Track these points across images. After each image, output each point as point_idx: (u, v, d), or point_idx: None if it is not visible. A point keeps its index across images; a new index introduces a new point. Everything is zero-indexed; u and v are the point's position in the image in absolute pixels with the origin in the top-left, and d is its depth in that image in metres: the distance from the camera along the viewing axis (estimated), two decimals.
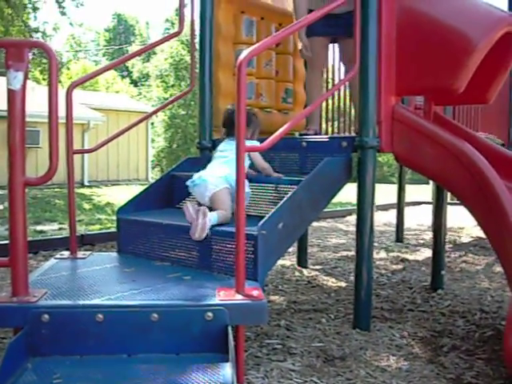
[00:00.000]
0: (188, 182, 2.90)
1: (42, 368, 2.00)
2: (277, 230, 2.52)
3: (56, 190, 10.12)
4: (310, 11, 3.19)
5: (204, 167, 3.02)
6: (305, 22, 2.71)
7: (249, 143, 2.65)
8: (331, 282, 4.18)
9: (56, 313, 2.10)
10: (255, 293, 2.22)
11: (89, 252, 3.10)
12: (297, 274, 4.39)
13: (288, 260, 4.86)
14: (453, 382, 2.44)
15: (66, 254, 3.00)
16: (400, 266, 4.79)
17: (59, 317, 2.10)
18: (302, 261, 4.62)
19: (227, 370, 1.93)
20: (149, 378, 1.94)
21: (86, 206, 8.82)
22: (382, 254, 5.37)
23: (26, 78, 2.06)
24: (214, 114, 3.65)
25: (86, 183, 12.48)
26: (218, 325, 2.11)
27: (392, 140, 3.08)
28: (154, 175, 19.16)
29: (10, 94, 2.04)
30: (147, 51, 3.70)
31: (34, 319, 2.05)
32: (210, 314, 2.12)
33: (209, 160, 3.56)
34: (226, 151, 2.98)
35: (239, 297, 2.18)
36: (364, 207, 2.93)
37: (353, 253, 5.30)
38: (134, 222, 2.99)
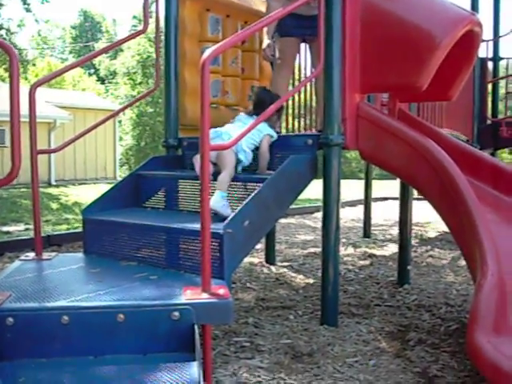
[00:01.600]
0: (212, 132, 2.84)
1: (6, 372, 1.97)
2: (243, 228, 2.53)
3: (22, 189, 9.92)
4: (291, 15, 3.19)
5: (170, 166, 3.02)
6: (269, 19, 2.71)
7: (266, 130, 3.06)
8: (299, 278, 4.21)
9: (20, 316, 2.06)
10: (221, 291, 2.22)
11: (54, 253, 3.05)
12: (265, 271, 4.41)
13: (256, 257, 4.87)
14: (419, 375, 2.48)
15: (31, 255, 2.95)
16: (367, 262, 4.85)
17: (24, 320, 2.06)
18: (270, 258, 4.64)
19: (194, 369, 1.93)
20: (115, 380, 1.92)
21: (54, 205, 8.68)
22: (350, 250, 5.42)
23: None
24: (180, 112, 3.64)
25: (53, 182, 12.28)
26: (185, 324, 2.10)
27: (357, 137, 3.11)
28: (122, 173, 18.94)
29: None
30: (114, 48, 3.66)
31: None
32: (176, 313, 2.11)
33: (176, 158, 3.56)
34: (245, 123, 2.98)
35: (205, 296, 2.18)
36: (330, 204, 2.96)
37: (321, 249, 5.38)
38: (99, 221, 2.96)
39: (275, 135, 3.16)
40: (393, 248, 5.48)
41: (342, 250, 5.32)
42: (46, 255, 2.96)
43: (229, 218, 2.47)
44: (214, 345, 2.73)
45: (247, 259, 4.69)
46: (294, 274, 4.32)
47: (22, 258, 2.92)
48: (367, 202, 6.42)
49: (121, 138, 20.98)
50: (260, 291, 3.80)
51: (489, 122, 5.87)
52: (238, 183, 2.98)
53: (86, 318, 2.09)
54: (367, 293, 3.79)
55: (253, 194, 2.59)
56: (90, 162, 14.17)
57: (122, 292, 2.27)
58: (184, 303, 2.13)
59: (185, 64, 3.68)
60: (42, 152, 2.98)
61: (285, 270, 4.45)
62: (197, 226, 2.32)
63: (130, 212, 3.10)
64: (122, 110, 4.58)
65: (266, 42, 3.51)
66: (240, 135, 2.45)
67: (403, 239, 4.02)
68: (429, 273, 4.46)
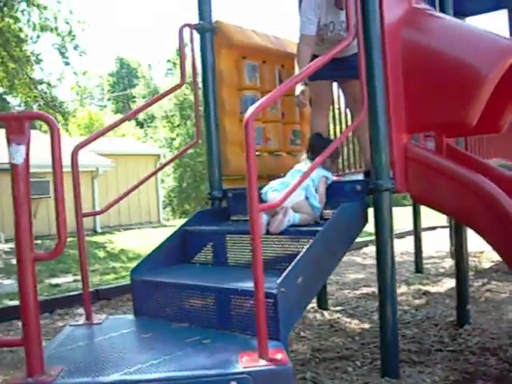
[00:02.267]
0: (279, 183, 3.04)
1: None
2: (296, 285, 2.43)
3: (69, 239, 10.08)
4: (315, 56, 3.14)
5: (216, 219, 2.98)
6: (312, 68, 2.66)
7: (323, 172, 3.05)
8: (354, 323, 4.06)
9: None
10: (279, 356, 2.12)
11: (104, 316, 3.01)
12: (318, 317, 4.27)
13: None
14: None
15: (82, 319, 2.91)
16: (423, 301, 4.66)
17: None
18: (322, 302, 4.50)
19: None
20: None
21: (100, 253, 8.75)
22: (403, 288, 5.24)
23: (28, 150, 2.02)
24: (222, 162, 3.61)
25: (99, 230, 12.46)
26: None
27: (407, 180, 3.00)
28: (165, 215, 19.13)
29: (14, 168, 1.99)
30: (157, 101, 3.68)
31: None
32: (233, 382, 2.02)
33: (221, 211, 3.51)
34: (303, 169, 2.95)
35: (263, 362, 2.08)
36: (382, 254, 2.86)
37: (373, 289, 5.21)
38: (147, 282, 2.91)
39: (331, 177, 3.12)
40: (448, 283, 5.26)
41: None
42: (96, 318, 2.92)
43: (282, 276, 2.38)
44: None
45: None
46: (348, 319, 4.17)
47: (73, 323, 2.88)
48: (417, 232, 6.16)
49: (162, 181, 21.27)
50: (315, 340, 3.67)
51: None
52: (287, 236, 2.90)
53: None
54: (426, 336, 3.61)
55: (305, 249, 2.50)
56: (133, 206, 14.35)
57: (175, 360, 2.19)
58: (241, 371, 2.04)
59: (225, 113, 3.66)
60: (88, 215, 2.98)
61: (338, 314, 4.31)
62: (249, 284, 2.25)
63: (178, 270, 3.05)
64: (169, 162, 4.55)
65: (299, 88, 3.38)
66: (291, 188, 2.40)
67: (460, 273, 3.84)
68: (489, 310, 4.24)
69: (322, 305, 4.49)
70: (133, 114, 3.46)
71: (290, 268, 2.42)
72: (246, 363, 2.09)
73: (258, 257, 2.10)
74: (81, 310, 4.77)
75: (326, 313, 4.38)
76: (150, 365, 2.17)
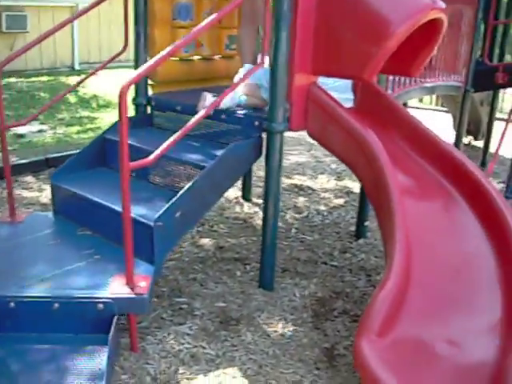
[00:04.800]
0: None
1: None
2: (174, 219, 2.81)
3: (44, 78, 10.10)
4: None
5: (139, 127, 3.42)
6: None
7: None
8: None
9: None
10: (142, 284, 2.59)
11: (30, 210, 3.44)
12: (237, 209, 4.70)
13: (235, 192, 5.02)
14: (325, 352, 2.85)
15: (5, 216, 3.33)
16: (341, 201, 5.07)
17: None
18: (245, 193, 4.88)
19: (103, 355, 2.37)
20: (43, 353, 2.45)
21: (72, 99, 8.93)
22: (332, 183, 5.60)
23: None
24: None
25: (77, 67, 12.28)
26: (107, 314, 2.50)
27: (306, 119, 3.23)
28: None
29: None
30: None
31: None
32: (100, 305, 2.51)
33: (144, 118, 3.75)
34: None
35: (126, 290, 2.55)
36: (271, 188, 3.18)
37: (306, 179, 5.59)
38: (64, 189, 3.27)
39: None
40: None
41: (325, 183, 5.55)
42: (22, 214, 3.36)
43: (161, 211, 2.74)
44: (156, 305, 3.14)
45: (225, 194, 4.98)
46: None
47: None
48: None
49: None
50: (223, 237, 4.13)
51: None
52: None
53: (28, 306, 2.52)
54: (322, 245, 4.08)
55: (187, 186, 2.83)
56: (115, 44, 14.03)
57: (61, 278, 2.67)
58: (107, 297, 2.52)
59: (155, 21, 3.72)
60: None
61: (257, 209, 4.73)
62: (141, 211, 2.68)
63: (92, 178, 3.36)
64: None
65: None
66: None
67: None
68: None
69: (246, 196, 4.89)
70: None
71: (169, 204, 2.77)
72: (113, 289, 2.56)
73: (127, 202, 2.44)
74: (30, 178, 5.18)
75: (246, 205, 4.81)
76: (41, 280, 2.65)
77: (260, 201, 4.93)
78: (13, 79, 9.78)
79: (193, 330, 2.97)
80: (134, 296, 2.53)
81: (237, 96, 3.36)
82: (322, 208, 4.86)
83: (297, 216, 4.64)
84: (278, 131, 3.07)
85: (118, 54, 3.57)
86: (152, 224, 2.71)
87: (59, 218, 3.34)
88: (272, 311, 3.18)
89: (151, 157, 2.53)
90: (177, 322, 3.03)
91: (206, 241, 4.06)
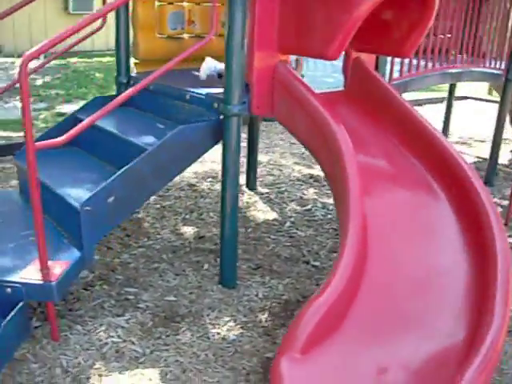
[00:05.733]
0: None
1: None
2: (106, 204, 2.61)
3: (105, 59, 10.17)
4: None
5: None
6: None
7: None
8: (261, 212, 4.22)
9: None
10: (56, 271, 2.41)
11: None
12: None
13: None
14: (264, 362, 2.55)
15: None
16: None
17: None
18: (250, 182, 4.63)
19: None
20: None
21: None
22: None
23: None
24: (133, 46, 3.58)
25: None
26: (16, 299, 2.36)
27: (272, 102, 2.91)
28: None
29: None
30: None
31: None
32: (8, 289, 2.37)
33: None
34: None
35: (37, 276, 2.39)
36: (228, 173, 2.90)
37: (313, 171, 5.20)
38: (24, 169, 3.16)
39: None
40: None
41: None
42: None
43: (90, 194, 2.56)
44: (104, 293, 2.98)
45: None
46: (261, 206, 4.33)
47: None
48: None
49: None
50: (208, 226, 3.91)
51: None
52: None
53: None
54: (311, 242, 3.75)
55: (121, 170, 2.62)
56: None
57: None
58: (15, 281, 2.38)
59: None
60: None
61: (256, 199, 4.46)
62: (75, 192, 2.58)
63: (57, 158, 3.20)
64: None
65: None
66: None
67: None
68: None
69: (251, 185, 4.63)
70: None
71: (99, 187, 2.58)
72: (25, 273, 2.41)
73: (34, 180, 2.27)
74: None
75: (247, 195, 4.55)
76: None
77: (266, 190, 4.65)
78: (74, 59, 10.05)
79: (129, 323, 2.77)
80: (41, 282, 2.36)
81: (212, 64, 3.33)
82: (329, 202, 4.48)
83: (298, 209, 4.31)
84: (234, 114, 2.78)
85: (99, 29, 3.40)
86: (78, 208, 2.53)
87: (23, 197, 3.24)
88: (224, 311, 2.92)
89: (62, 137, 2.34)
90: (116, 313, 2.85)
91: (188, 229, 3.85)
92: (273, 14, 2.75)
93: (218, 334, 2.74)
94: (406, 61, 3.86)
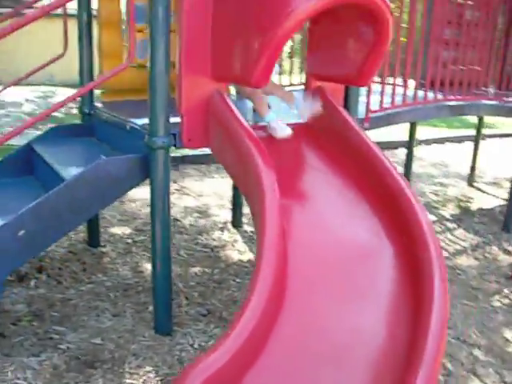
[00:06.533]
0: None
1: None
2: (16, 238, 2.46)
3: None
4: None
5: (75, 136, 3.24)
6: None
7: None
8: (237, 252, 3.95)
9: None
10: None
11: None
12: (215, 235, 4.21)
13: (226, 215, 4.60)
14: None
15: None
16: None
17: None
18: (235, 220, 4.39)
19: None
20: None
21: None
22: None
23: None
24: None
25: None
26: None
27: (207, 133, 2.70)
28: None
29: None
30: None
31: None
32: None
33: (85, 127, 3.49)
34: None
35: None
36: (156, 214, 2.70)
37: None
38: None
39: None
40: None
41: None
42: None
43: None
44: (31, 330, 2.81)
45: (214, 217, 4.54)
46: (240, 246, 4.06)
47: None
48: None
49: None
50: (175, 264, 3.66)
51: None
52: None
53: None
54: None
55: (33, 203, 2.48)
56: None
57: None
58: None
59: (102, 23, 3.45)
60: None
61: (238, 237, 4.20)
62: None
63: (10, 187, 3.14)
64: None
65: None
66: None
67: None
68: None
69: (236, 222, 4.39)
70: None
71: (8, 221, 2.44)
72: None
73: None
74: None
75: (228, 233, 4.30)
76: None
77: (251, 228, 4.39)
78: None
79: (42, 365, 2.59)
80: None
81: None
82: None
83: None
84: (159, 147, 2.59)
85: (60, 56, 3.35)
86: None
87: None
88: (148, 359, 2.68)
89: None
90: (32, 352, 2.67)
91: (149, 267, 3.63)
92: (204, 35, 2.56)
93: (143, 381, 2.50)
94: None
